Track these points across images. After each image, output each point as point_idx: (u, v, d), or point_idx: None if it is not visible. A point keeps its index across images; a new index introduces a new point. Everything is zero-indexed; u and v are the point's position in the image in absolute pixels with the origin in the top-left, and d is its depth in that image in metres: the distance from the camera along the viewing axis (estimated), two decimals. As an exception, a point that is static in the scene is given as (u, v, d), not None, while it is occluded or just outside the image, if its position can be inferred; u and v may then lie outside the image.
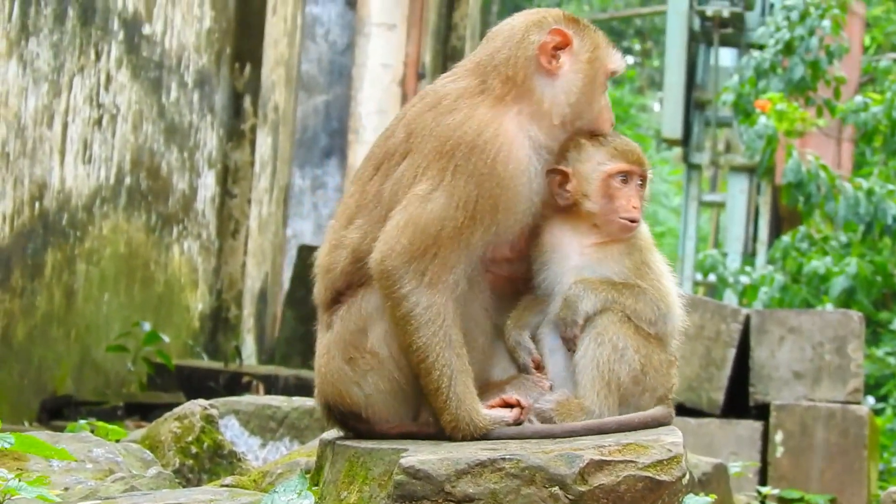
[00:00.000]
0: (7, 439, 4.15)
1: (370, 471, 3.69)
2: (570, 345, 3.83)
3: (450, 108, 3.83)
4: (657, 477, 3.52)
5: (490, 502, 3.49)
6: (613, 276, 3.87)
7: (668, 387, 3.91)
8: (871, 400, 14.50)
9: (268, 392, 9.36)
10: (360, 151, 15.55)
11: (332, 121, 15.97)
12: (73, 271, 8.90)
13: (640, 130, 28.40)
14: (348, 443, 3.84)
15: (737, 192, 18.09)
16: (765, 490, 7.98)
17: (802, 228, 14.06)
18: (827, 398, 8.60)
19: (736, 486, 7.53)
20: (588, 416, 3.77)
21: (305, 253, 12.11)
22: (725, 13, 17.69)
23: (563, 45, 3.89)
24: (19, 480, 3.95)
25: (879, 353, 16.46)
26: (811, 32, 14.22)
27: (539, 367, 3.88)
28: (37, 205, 8.38)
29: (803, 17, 14.28)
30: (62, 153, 8.65)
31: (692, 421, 8.44)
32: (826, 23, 14.17)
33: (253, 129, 11.66)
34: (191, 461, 5.26)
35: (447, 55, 16.48)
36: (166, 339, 9.69)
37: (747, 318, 8.67)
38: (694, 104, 18.30)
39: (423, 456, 3.55)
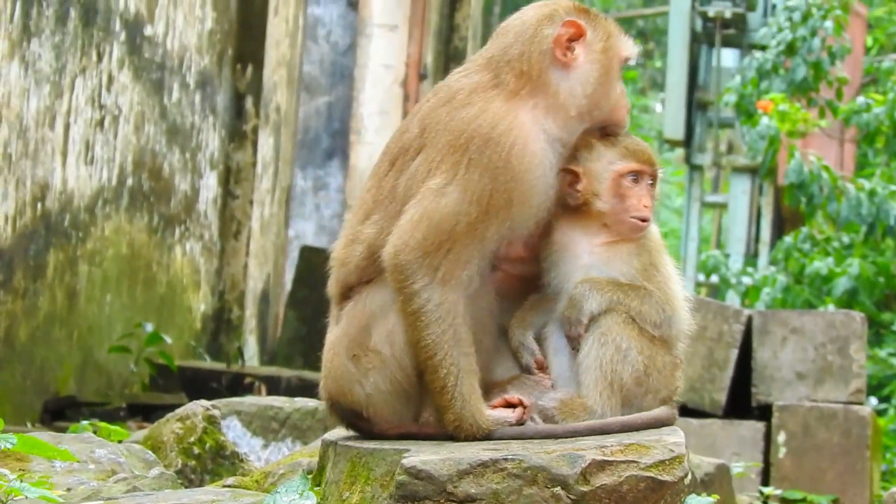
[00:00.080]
0: (9, 440, 4.15)
1: (372, 471, 3.69)
2: (574, 344, 3.83)
3: (464, 103, 3.81)
4: (659, 477, 3.52)
5: (492, 502, 3.49)
6: (621, 276, 3.86)
7: (673, 389, 3.91)
8: (873, 401, 14.49)
9: (270, 393, 9.36)
10: (362, 152, 15.55)
11: (333, 122, 15.97)
12: (76, 272, 8.90)
13: (642, 131, 28.39)
14: (350, 443, 3.84)
15: (739, 192, 18.09)
16: (767, 491, 7.98)
17: (805, 229, 14.06)
18: (829, 399, 8.60)
19: (738, 486, 7.53)
20: (591, 415, 3.77)
21: (307, 254, 12.13)
22: (727, 14, 17.69)
23: (577, 36, 3.86)
24: (22, 481, 3.95)
25: (882, 353, 16.45)
26: (813, 33, 14.22)
27: (542, 368, 3.88)
28: (39, 206, 8.39)
29: (805, 17, 14.28)
30: (64, 154, 8.65)
31: (694, 421, 8.44)
32: (828, 23, 14.17)
33: (255, 130, 11.66)
34: (193, 462, 5.26)
35: (449, 56, 16.48)
36: (168, 340, 9.69)
37: (749, 319, 8.67)
38: (696, 105, 18.30)
39: (425, 456, 3.55)
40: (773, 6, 17.38)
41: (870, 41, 21.20)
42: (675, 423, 3.87)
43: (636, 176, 3.90)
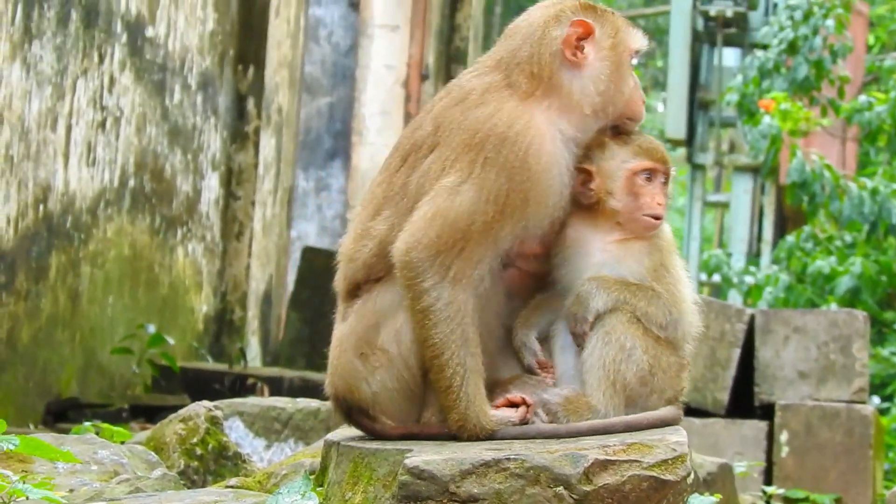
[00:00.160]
0: (12, 441, 4.15)
1: (375, 471, 3.68)
2: (579, 341, 3.83)
3: (478, 102, 3.81)
4: (662, 476, 3.52)
5: (495, 502, 3.49)
6: (631, 275, 3.86)
7: (678, 389, 3.91)
8: (876, 399, 14.50)
9: (272, 394, 9.36)
10: (363, 153, 15.56)
11: (335, 122, 15.97)
12: (78, 274, 8.90)
13: (645, 131, 28.33)
14: (353, 444, 3.84)
15: (741, 192, 18.10)
16: (770, 490, 7.98)
17: (807, 228, 14.06)
18: (832, 398, 8.59)
19: (741, 485, 7.53)
20: (594, 414, 3.77)
21: (309, 255, 12.13)
22: (729, 13, 17.70)
23: (586, 35, 3.86)
24: (24, 482, 3.95)
25: (884, 352, 16.44)
26: (815, 32, 14.22)
27: (544, 368, 3.88)
28: (41, 207, 8.39)
29: (807, 16, 14.28)
30: (66, 156, 8.66)
31: (697, 421, 8.43)
32: (830, 22, 14.17)
33: (256, 131, 11.66)
34: (196, 463, 5.26)
35: (450, 56, 16.48)
36: (171, 341, 9.69)
37: (752, 318, 8.66)
38: (698, 104, 18.31)
39: (427, 456, 3.55)
40: (775, 5, 17.40)
41: (871, 39, 21.19)
42: (680, 423, 3.86)
43: (650, 174, 3.90)
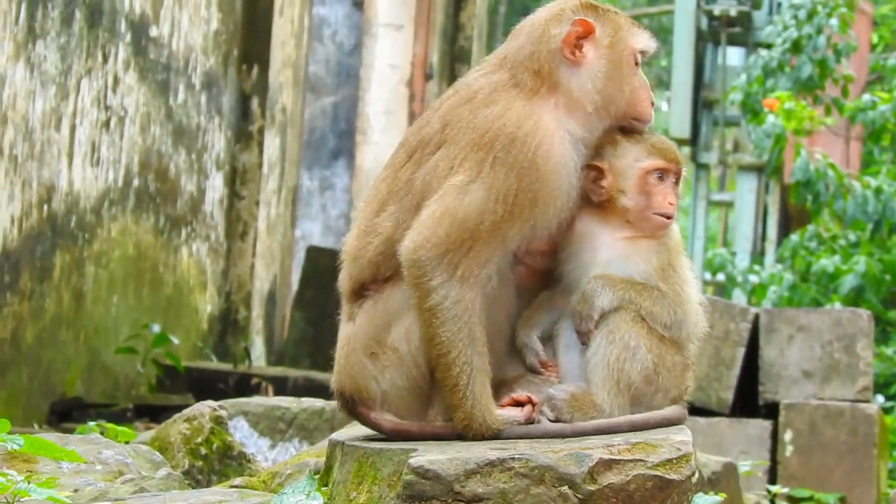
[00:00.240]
0: (16, 441, 4.15)
1: (379, 471, 3.68)
2: (584, 339, 3.83)
3: (486, 101, 3.81)
4: (666, 476, 3.52)
5: (499, 502, 3.49)
6: (637, 274, 3.86)
7: (683, 388, 3.90)
8: (880, 398, 14.49)
9: (277, 393, 9.37)
10: (368, 152, 15.56)
11: (339, 122, 15.98)
12: (82, 274, 8.91)
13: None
14: (357, 443, 3.83)
15: (745, 191, 18.10)
16: (774, 489, 7.98)
17: (811, 227, 14.06)
18: (836, 397, 8.59)
19: (745, 485, 7.53)
20: (599, 413, 3.76)
21: (314, 254, 12.14)
22: (733, 12, 17.71)
23: (586, 33, 3.86)
24: (29, 482, 3.95)
25: (889, 351, 16.42)
26: (819, 31, 14.22)
27: (547, 367, 3.88)
28: (45, 207, 8.39)
29: (811, 15, 14.29)
30: (70, 156, 8.66)
31: (701, 420, 8.43)
32: (833, 21, 14.18)
33: (261, 131, 11.67)
34: (200, 462, 5.26)
35: (454, 55, 16.48)
36: (175, 340, 9.70)
37: (756, 317, 8.66)
38: (702, 103, 18.32)
39: (432, 456, 3.54)
40: (779, 4, 17.39)
41: (875, 38, 21.18)
42: (684, 422, 3.86)
43: (661, 173, 3.90)
